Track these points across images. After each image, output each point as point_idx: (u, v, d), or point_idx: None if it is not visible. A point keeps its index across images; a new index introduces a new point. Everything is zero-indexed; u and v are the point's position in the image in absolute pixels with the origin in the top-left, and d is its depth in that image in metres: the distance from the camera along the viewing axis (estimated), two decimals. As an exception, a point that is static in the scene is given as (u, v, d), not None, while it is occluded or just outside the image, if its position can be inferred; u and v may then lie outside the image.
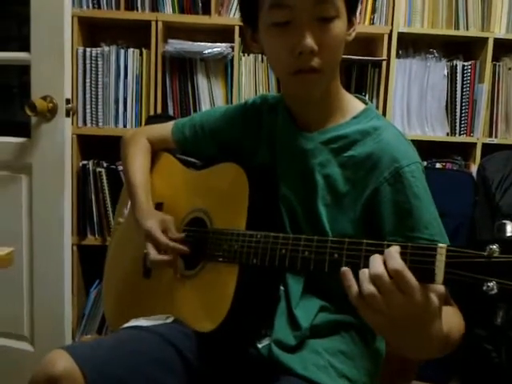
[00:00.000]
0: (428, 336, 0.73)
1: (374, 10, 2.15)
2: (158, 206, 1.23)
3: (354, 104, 1.04)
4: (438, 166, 2.22)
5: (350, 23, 0.97)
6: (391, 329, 0.72)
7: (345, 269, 0.73)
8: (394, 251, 0.70)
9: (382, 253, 0.72)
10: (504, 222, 0.62)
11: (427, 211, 0.93)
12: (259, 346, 1.01)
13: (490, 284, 0.62)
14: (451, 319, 0.83)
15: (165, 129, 1.28)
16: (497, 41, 2.16)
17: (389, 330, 0.73)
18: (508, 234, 0.62)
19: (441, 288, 0.69)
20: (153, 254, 1.08)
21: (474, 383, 2.09)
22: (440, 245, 0.69)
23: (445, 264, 0.67)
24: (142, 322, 1.07)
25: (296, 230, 1.01)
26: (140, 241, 1.14)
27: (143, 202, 1.17)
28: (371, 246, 0.76)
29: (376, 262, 0.71)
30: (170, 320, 1.08)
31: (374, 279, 0.69)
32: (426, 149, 2.21)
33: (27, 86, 1.84)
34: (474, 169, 2.18)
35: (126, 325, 1.07)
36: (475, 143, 2.20)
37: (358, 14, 2.06)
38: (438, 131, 2.22)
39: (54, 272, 1.88)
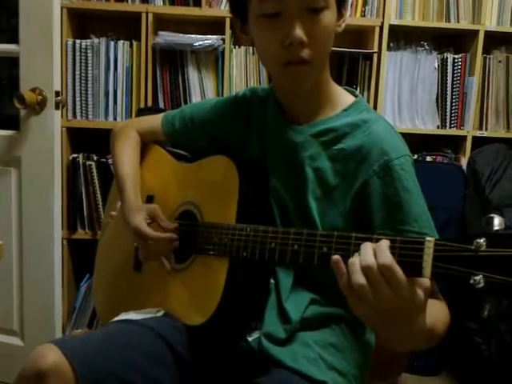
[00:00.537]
0: (413, 328, 0.74)
1: (365, 3, 2.15)
2: (149, 199, 1.23)
3: (343, 96, 1.04)
4: (428, 158, 2.23)
5: (340, 14, 0.96)
6: (378, 319, 0.73)
7: (336, 257, 0.73)
8: (385, 245, 0.71)
9: None
10: (492, 215, 0.63)
11: (416, 204, 0.93)
12: (249, 339, 1.01)
13: (477, 278, 0.63)
14: (437, 313, 0.84)
15: (155, 121, 1.27)
16: (487, 33, 2.16)
17: (375, 320, 0.73)
18: (495, 228, 0.63)
19: (427, 282, 0.70)
20: (144, 249, 1.09)
21: (464, 376, 2.11)
22: (428, 238, 0.69)
23: (432, 258, 0.67)
24: (132, 315, 1.07)
25: (286, 222, 1.02)
26: (130, 235, 1.14)
27: (130, 197, 1.16)
28: (360, 239, 0.76)
29: (367, 252, 0.71)
30: (160, 313, 1.08)
31: (364, 270, 0.70)
32: (417, 142, 2.22)
33: (16, 78, 1.82)
34: (464, 162, 2.19)
35: (116, 318, 1.07)
36: (465, 136, 2.21)
37: (349, 6, 2.07)
38: (428, 124, 2.23)
39: (44, 266, 1.88)
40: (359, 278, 0.70)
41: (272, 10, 0.89)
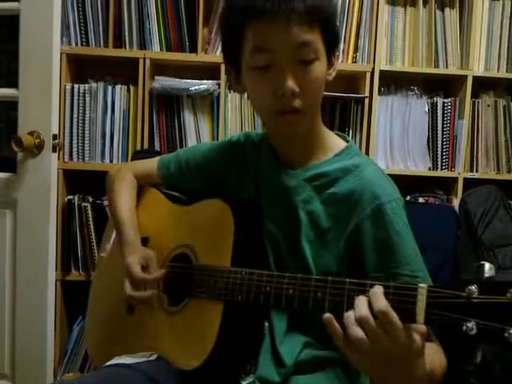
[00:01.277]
0: (412, 374, 0.73)
1: (356, 49, 2.21)
2: (144, 241, 1.23)
3: (335, 141, 1.07)
4: (420, 200, 2.25)
5: (330, 64, 0.99)
6: (375, 367, 0.73)
7: (327, 316, 0.73)
8: (380, 292, 0.72)
9: (364, 292, 0.74)
10: (482, 262, 0.64)
11: (408, 247, 0.94)
12: (243, 383, 1.00)
13: (470, 324, 0.63)
14: (434, 357, 0.84)
15: (150, 164, 1.29)
16: (475, 78, 2.22)
17: (372, 368, 0.74)
18: (486, 275, 0.64)
19: (422, 327, 0.70)
20: (128, 289, 1.09)
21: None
22: (421, 285, 0.70)
23: (425, 304, 0.68)
24: (125, 359, 1.06)
25: (280, 265, 1.02)
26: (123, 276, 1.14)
27: (131, 238, 1.17)
28: (354, 284, 0.77)
29: (361, 304, 0.72)
30: (153, 357, 1.07)
31: (360, 322, 0.70)
32: (409, 183, 2.25)
33: (14, 121, 1.85)
34: (455, 203, 2.21)
35: (109, 363, 1.06)
36: (457, 178, 2.24)
37: (341, 52, 2.13)
38: (420, 166, 2.26)
39: (37, 308, 1.86)
40: (356, 331, 0.70)
41: (264, 62, 0.92)
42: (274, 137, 1.07)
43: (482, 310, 0.63)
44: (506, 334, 0.61)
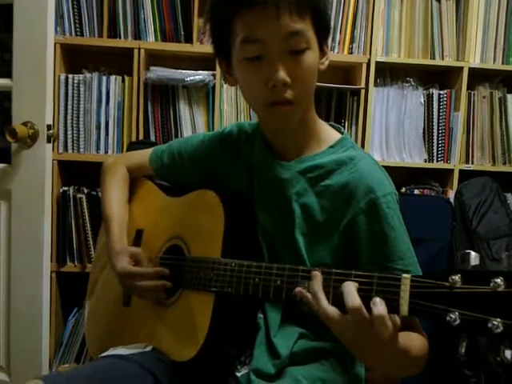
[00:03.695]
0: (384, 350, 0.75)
1: (352, 40, 2.20)
2: (139, 233, 1.23)
3: (329, 133, 1.06)
4: (416, 192, 2.25)
5: (323, 53, 0.98)
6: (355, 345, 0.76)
7: (299, 289, 0.78)
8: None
9: None
10: (468, 251, 0.64)
11: (402, 242, 0.94)
12: (238, 374, 1.00)
13: (453, 315, 0.63)
14: (411, 340, 0.85)
15: (143, 156, 1.29)
16: (471, 70, 2.21)
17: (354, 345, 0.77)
18: (472, 264, 0.64)
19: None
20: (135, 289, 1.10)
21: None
22: (404, 275, 0.70)
23: (409, 295, 0.68)
24: (121, 350, 1.06)
25: (274, 257, 1.02)
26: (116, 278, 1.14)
27: (115, 239, 1.17)
28: (340, 275, 0.77)
29: (353, 292, 0.73)
30: (149, 348, 1.07)
31: (351, 310, 0.72)
32: (405, 175, 2.25)
33: (8, 112, 1.84)
34: (451, 195, 2.21)
35: (104, 354, 1.07)
36: (452, 169, 2.24)
37: (336, 43, 2.12)
38: (415, 158, 2.26)
39: (32, 300, 1.86)
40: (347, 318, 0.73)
41: (254, 53, 0.91)
42: (267, 128, 1.06)
43: (465, 300, 0.63)
44: (490, 325, 0.60)
